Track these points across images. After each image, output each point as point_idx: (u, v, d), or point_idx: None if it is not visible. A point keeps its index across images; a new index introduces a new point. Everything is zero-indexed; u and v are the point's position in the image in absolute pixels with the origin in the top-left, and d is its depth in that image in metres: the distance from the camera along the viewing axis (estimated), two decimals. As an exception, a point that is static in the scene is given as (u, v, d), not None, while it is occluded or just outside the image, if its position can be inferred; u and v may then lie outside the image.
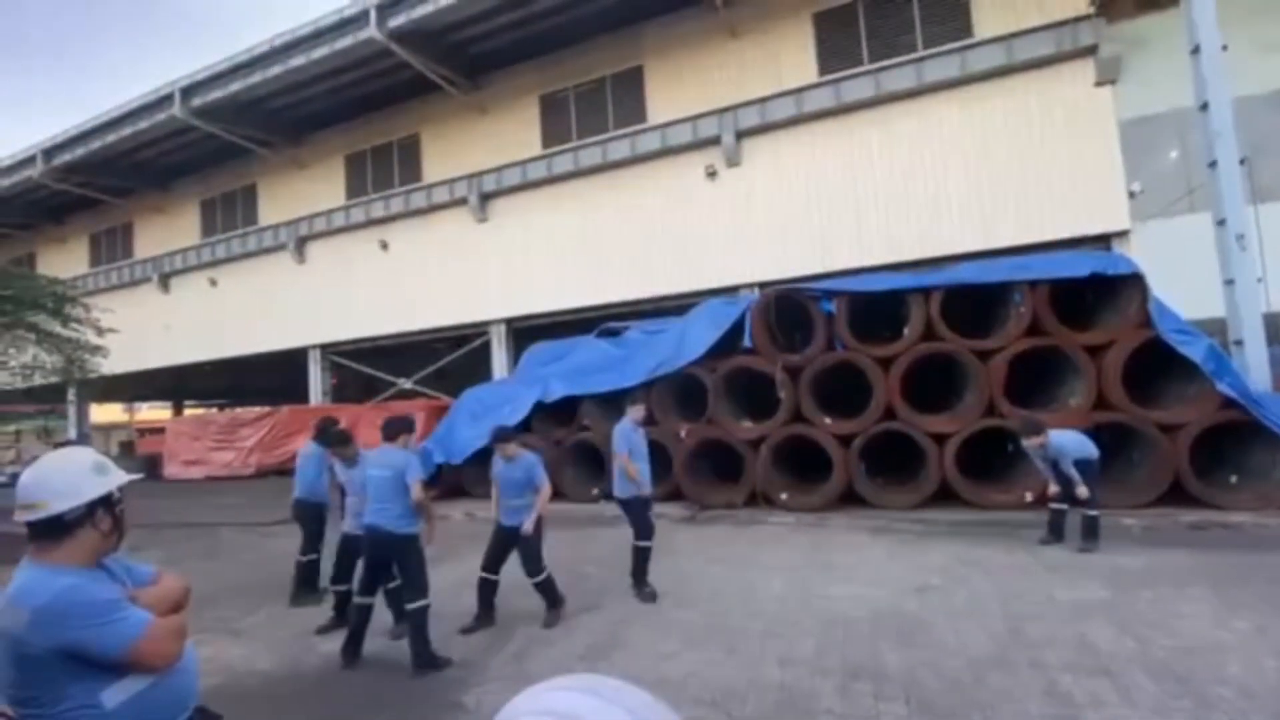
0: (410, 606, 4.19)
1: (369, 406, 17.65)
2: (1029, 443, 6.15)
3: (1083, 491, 5.93)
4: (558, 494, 10.12)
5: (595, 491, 9.83)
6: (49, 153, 19.04)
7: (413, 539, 4.34)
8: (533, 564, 4.79)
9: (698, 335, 9.58)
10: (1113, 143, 11.71)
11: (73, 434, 23.09)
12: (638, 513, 5.40)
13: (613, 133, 14.88)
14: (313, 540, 5.98)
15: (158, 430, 24.06)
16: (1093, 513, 5.98)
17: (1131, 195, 11.67)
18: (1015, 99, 12.17)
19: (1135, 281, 7.70)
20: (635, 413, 5.72)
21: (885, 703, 3.29)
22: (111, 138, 17.94)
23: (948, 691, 3.36)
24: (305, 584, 5.90)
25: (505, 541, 4.89)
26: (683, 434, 9.37)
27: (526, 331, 15.92)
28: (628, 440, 5.50)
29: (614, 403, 10.13)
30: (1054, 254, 9.35)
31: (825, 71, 13.35)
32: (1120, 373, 7.38)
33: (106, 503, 1.62)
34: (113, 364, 16.87)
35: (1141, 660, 3.61)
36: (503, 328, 16.11)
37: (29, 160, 19.42)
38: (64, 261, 23.28)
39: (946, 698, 3.30)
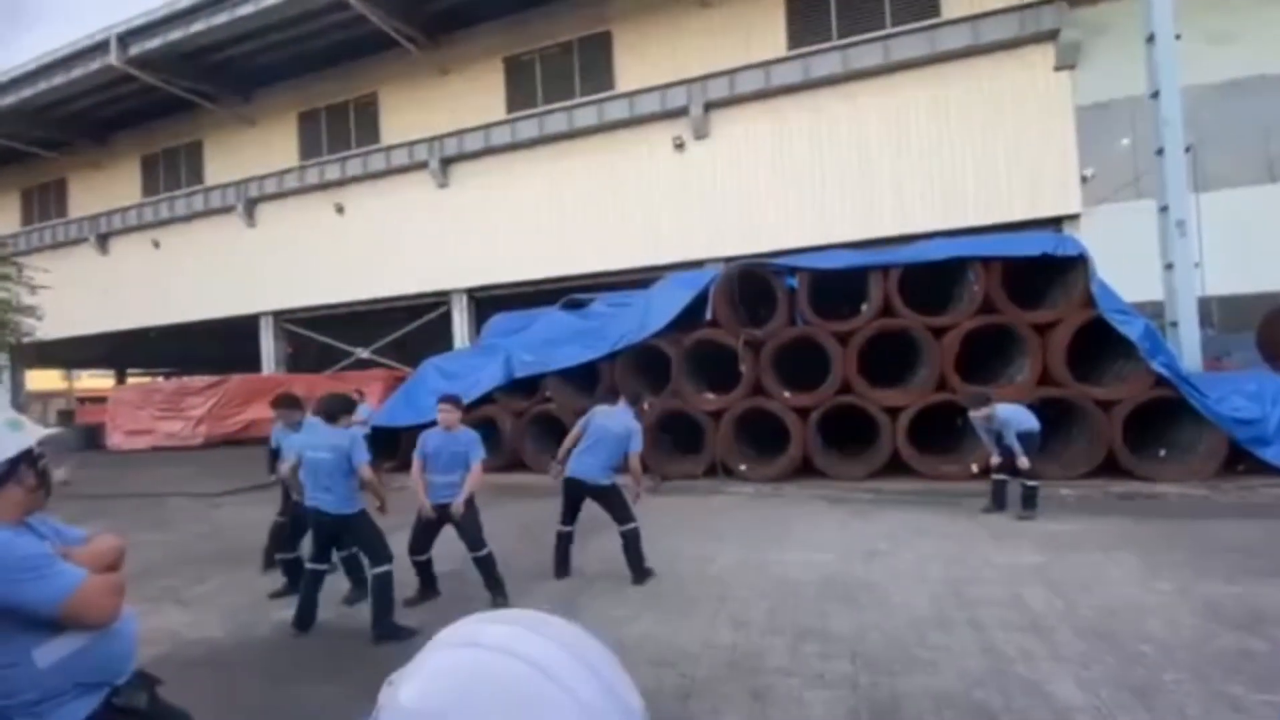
0: (374, 571, 4.14)
1: (324, 376, 17.23)
2: (975, 415, 6.38)
3: (1023, 462, 6.20)
4: (519, 464, 10.19)
5: (558, 467, 9.82)
6: (-29, 100, 17.69)
7: (359, 515, 4.27)
8: (474, 537, 4.57)
9: (662, 308, 9.58)
10: (1069, 128, 12.03)
11: (6, 401, 21.90)
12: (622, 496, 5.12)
13: (579, 99, 14.58)
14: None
15: (100, 399, 23.07)
16: (1032, 483, 6.27)
17: (1084, 180, 12.05)
18: (979, 80, 12.36)
19: (1081, 263, 7.98)
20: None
21: (832, 661, 3.42)
22: (42, 86, 16.78)
23: (891, 650, 3.51)
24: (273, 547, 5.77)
25: (436, 521, 4.60)
26: (645, 406, 9.41)
27: (489, 301, 15.68)
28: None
29: (577, 374, 10.10)
30: (1008, 234, 9.61)
31: (794, 45, 13.30)
32: (1064, 350, 7.68)
33: (29, 458, 1.57)
34: (47, 328, 16.04)
35: (1070, 619, 3.83)
36: (464, 297, 15.83)
37: (-52, 108, 18.01)
38: (-8, 219, 21.88)
39: (890, 655, 3.44)
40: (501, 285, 15.44)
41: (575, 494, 5.14)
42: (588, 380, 10.03)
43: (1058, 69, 12.03)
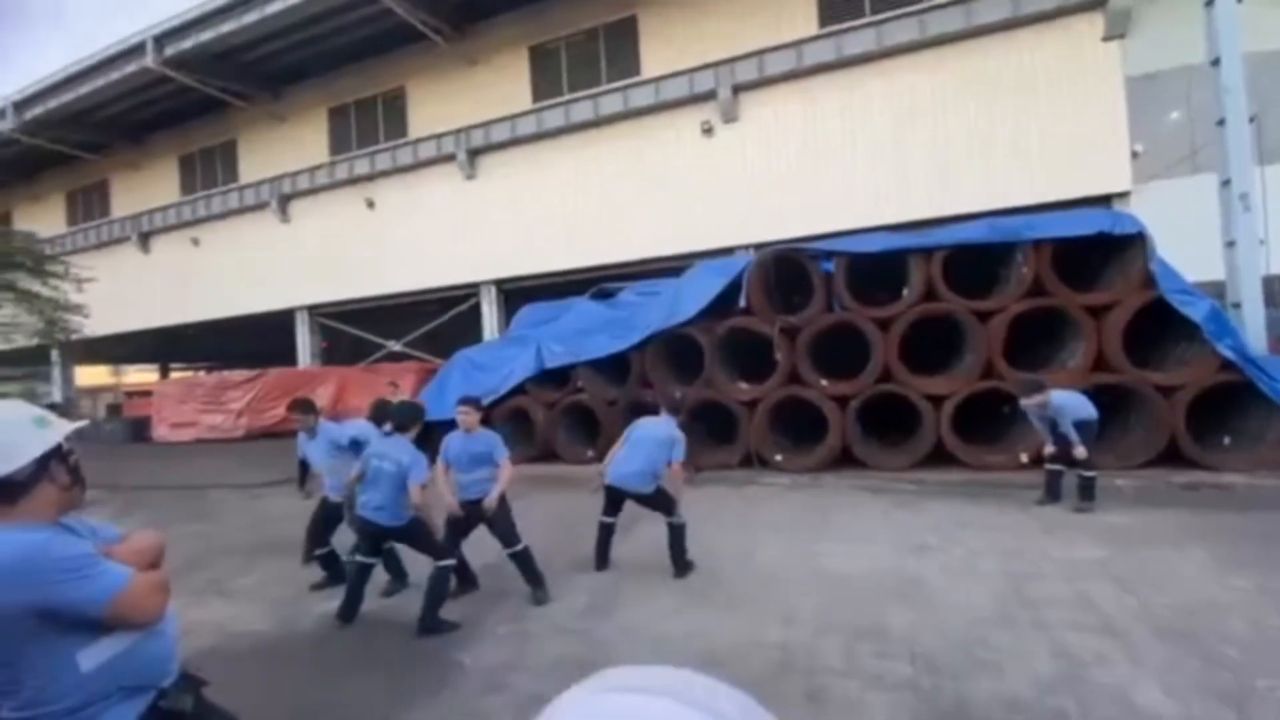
0: (439, 565, 4.14)
1: (359, 369, 17.46)
2: (1029, 402, 6.09)
3: (1080, 452, 5.90)
4: (552, 455, 10.16)
5: (590, 454, 9.77)
6: (19, 106, 18.21)
7: (412, 522, 4.25)
8: (507, 534, 4.51)
9: (693, 295, 9.41)
10: (1118, 101, 11.45)
11: (58, 397, 22.76)
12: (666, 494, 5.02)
13: (605, 86, 14.38)
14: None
15: (145, 393, 23.80)
16: (1089, 474, 5.97)
17: (1135, 155, 11.47)
18: (1021, 54, 11.83)
19: (1139, 241, 7.57)
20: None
21: (889, 662, 3.26)
22: (84, 89, 17.15)
23: (952, 651, 3.34)
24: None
25: (464, 520, 4.56)
26: (678, 396, 9.27)
27: (517, 293, 15.65)
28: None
29: (608, 364, 10.03)
30: (1059, 213, 9.16)
31: (826, 23, 12.90)
32: (1121, 334, 7.31)
33: (58, 455, 1.52)
34: (94, 325, 16.53)
35: (1145, 619, 3.60)
36: (493, 289, 15.82)
37: (-3, 113, 18.60)
38: (41, 220, 22.51)
39: (951, 657, 3.27)
40: (529, 276, 15.37)
41: (617, 496, 5.07)
42: (619, 370, 9.95)
43: (1106, 39, 11.44)
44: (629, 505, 5.08)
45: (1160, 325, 7.59)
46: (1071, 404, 6.04)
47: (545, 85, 15.11)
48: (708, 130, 13.59)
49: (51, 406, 18.35)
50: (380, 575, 4.84)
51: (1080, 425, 5.94)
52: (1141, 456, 7.19)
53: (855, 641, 3.51)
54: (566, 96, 14.71)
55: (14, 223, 22.63)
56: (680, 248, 13.63)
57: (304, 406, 5.28)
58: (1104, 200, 11.56)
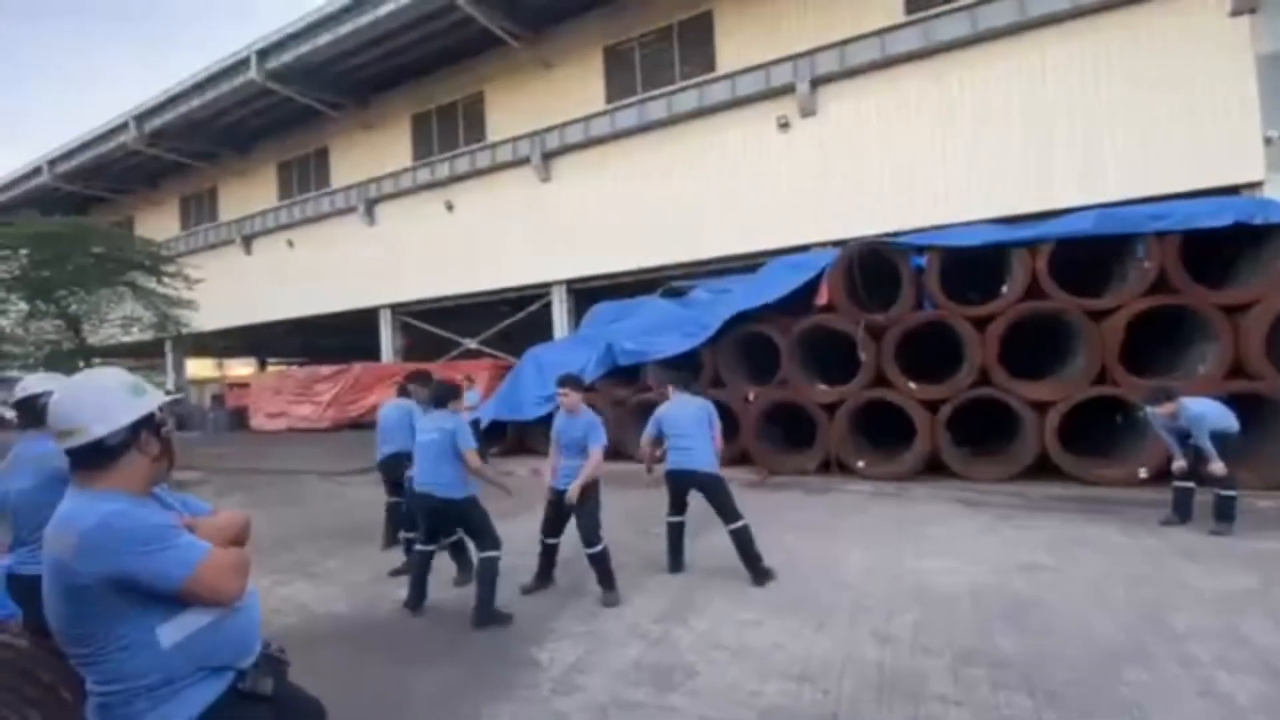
0: (482, 555, 4.09)
1: (438, 365, 18.01)
2: (1158, 410, 5.45)
3: (1218, 468, 5.22)
4: (622, 454, 10.05)
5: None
6: (140, 119, 19.91)
7: (468, 500, 4.21)
8: (590, 533, 4.39)
9: (766, 290, 9.11)
10: (1248, 81, 10.27)
11: (171, 387, 24.72)
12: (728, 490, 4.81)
13: (679, 84, 14.22)
14: (398, 488, 5.95)
15: (245, 385, 25.54)
16: (1229, 492, 5.27)
17: (1268, 142, 10.25)
18: (1133, 32, 10.80)
19: (1288, 232, 6.70)
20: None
21: (1006, 692, 2.91)
22: (196, 101, 18.54)
23: (1079, 685, 2.94)
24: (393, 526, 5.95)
25: (556, 507, 4.54)
26: (750, 397, 9.00)
27: (587, 293, 15.71)
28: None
29: (678, 362, 9.84)
30: (1188, 202, 8.21)
31: (913, 9, 12.24)
32: (1265, 336, 6.47)
33: (150, 425, 1.48)
34: (201, 321, 17.81)
35: (1316, 662, 3.08)
36: (564, 289, 15.96)
37: (123, 127, 20.39)
38: (158, 224, 24.61)
39: (1079, 692, 2.88)
40: (600, 276, 15.40)
41: (681, 485, 4.89)
42: (689, 368, 9.75)
43: (1234, 14, 10.29)
44: (699, 507, 4.86)
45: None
46: (1210, 413, 5.35)
47: (619, 85, 15.10)
48: (784, 125, 13.20)
49: (166, 394, 19.96)
50: (450, 566, 4.86)
51: (1219, 438, 5.26)
52: (1286, 476, 6.34)
53: (963, 666, 3.16)
54: (640, 96, 14.64)
55: (135, 226, 24.78)
56: (754, 246, 13.28)
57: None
58: (1231, 191, 10.38)
